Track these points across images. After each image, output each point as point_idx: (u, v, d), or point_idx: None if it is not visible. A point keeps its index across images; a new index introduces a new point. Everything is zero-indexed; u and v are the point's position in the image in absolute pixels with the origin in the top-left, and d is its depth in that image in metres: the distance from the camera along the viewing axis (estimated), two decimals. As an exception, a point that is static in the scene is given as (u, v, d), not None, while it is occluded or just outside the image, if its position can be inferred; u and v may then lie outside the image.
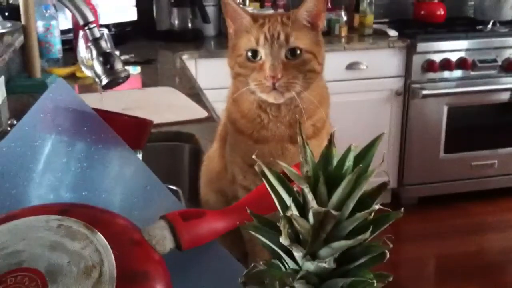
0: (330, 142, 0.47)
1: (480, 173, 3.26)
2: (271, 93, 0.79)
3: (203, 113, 1.61)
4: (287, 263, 0.46)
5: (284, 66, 0.78)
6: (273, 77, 0.78)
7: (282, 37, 0.79)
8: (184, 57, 2.71)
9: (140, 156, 0.74)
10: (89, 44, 1.07)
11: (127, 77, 1.09)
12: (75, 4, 1.05)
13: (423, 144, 3.15)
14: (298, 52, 0.80)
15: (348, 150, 0.45)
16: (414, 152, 3.16)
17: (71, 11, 1.06)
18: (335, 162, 0.46)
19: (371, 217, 0.44)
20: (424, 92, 3.03)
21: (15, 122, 1.22)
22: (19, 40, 2.03)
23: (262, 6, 3.17)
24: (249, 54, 0.80)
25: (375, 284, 0.43)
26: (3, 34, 1.88)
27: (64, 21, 2.52)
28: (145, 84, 2.10)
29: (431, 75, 3.05)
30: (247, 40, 0.81)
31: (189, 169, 1.45)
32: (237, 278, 0.48)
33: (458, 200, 3.27)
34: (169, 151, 1.45)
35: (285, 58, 0.79)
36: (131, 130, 0.75)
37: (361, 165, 0.43)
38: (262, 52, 0.80)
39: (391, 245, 0.43)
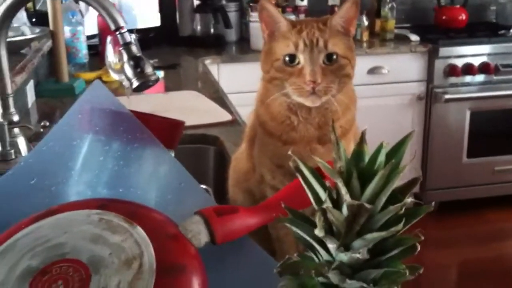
0: (362, 139, 0.49)
1: (503, 178, 3.24)
2: (310, 97, 0.81)
3: (227, 116, 1.64)
4: (320, 255, 0.48)
5: (323, 71, 0.81)
6: (313, 82, 0.80)
7: (321, 43, 0.81)
8: (207, 62, 2.75)
9: (173, 155, 0.76)
10: (120, 48, 1.10)
11: (157, 80, 1.12)
12: (107, 9, 1.08)
13: (445, 149, 3.14)
14: (335, 57, 0.82)
15: (380, 146, 0.47)
16: (437, 156, 3.15)
17: (102, 16, 1.10)
18: (367, 158, 0.48)
19: (402, 211, 0.46)
20: (447, 96, 3.02)
21: (47, 123, 1.25)
22: (47, 45, 2.08)
23: (284, 12, 3.19)
24: (287, 59, 0.82)
25: (407, 275, 0.45)
26: (31, 39, 1.93)
27: (89, 26, 2.58)
28: (168, 89, 2.14)
29: (453, 79, 3.04)
30: (284, 45, 0.83)
31: (214, 171, 1.48)
32: (269, 271, 0.50)
33: (480, 206, 3.24)
34: (195, 154, 1.48)
35: (322, 63, 0.81)
36: (165, 131, 0.77)
37: (393, 161, 0.45)
38: (301, 57, 0.81)
39: (422, 238, 0.45)
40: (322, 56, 0.81)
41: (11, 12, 1.09)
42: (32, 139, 1.27)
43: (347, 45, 0.84)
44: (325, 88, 0.81)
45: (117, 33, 1.08)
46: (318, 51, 0.81)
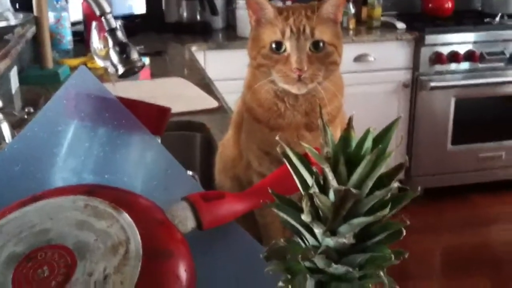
0: (349, 125, 0.49)
1: (487, 165, 3.27)
2: (296, 85, 0.81)
3: (213, 103, 1.64)
4: (307, 240, 0.48)
5: (309, 59, 0.80)
6: (299, 69, 0.80)
7: (307, 30, 0.81)
8: (193, 49, 2.74)
9: (159, 141, 0.76)
10: (106, 34, 1.09)
11: (142, 66, 1.11)
12: (92, -6, 1.07)
13: (430, 136, 3.17)
14: (322, 44, 0.81)
15: (367, 132, 0.47)
16: (422, 143, 3.18)
17: (87, 1, 1.08)
18: (354, 144, 0.48)
19: (389, 196, 0.46)
20: (432, 84, 3.04)
21: (32, 110, 1.24)
22: (30, 31, 2.06)
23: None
24: (274, 46, 0.82)
25: (392, 260, 0.45)
26: (15, 25, 1.90)
27: (74, 12, 2.55)
28: (154, 75, 2.12)
29: (439, 67, 3.06)
30: (271, 32, 0.82)
31: (200, 157, 1.48)
32: (256, 256, 0.51)
33: (464, 192, 3.28)
34: (181, 140, 1.48)
35: (309, 50, 0.81)
36: (151, 117, 0.77)
37: (380, 146, 0.45)
38: (288, 45, 0.81)
39: (408, 222, 0.46)
40: (309, 43, 0.81)
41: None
42: (16, 125, 1.25)
43: (334, 33, 0.83)
44: (311, 75, 0.80)
45: (103, 18, 1.07)
46: (305, 39, 0.81)
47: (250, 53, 0.86)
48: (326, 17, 0.83)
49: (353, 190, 0.44)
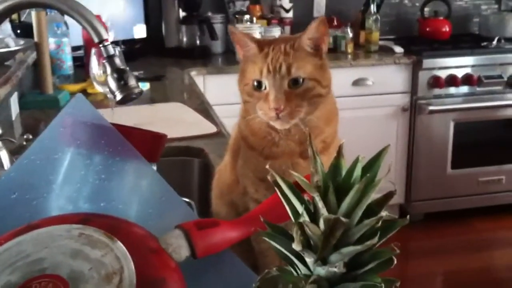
0: (339, 153, 0.50)
1: (487, 189, 3.27)
2: (277, 122, 0.82)
3: (212, 128, 1.64)
4: (299, 269, 0.48)
5: (287, 96, 0.80)
6: (276, 108, 0.80)
7: (283, 68, 0.81)
8: (193, 73, 2.76)
9: (155, 168, 0.77)
10: (103, 61, 1.10)
11: (140, 93, 1.12)
12: (90, 22, 1.08)
13: (430, 160, 3.17)
14: (301, 81, 0.81)
15: (356, 161, 0.48)
16: (421, 168, 3.18)
17: (85, 29, 1.10)
18: (343, 172, 0.49)
19: (379, 224, 0.46)
20: (431, 108, 3.05)
21: (30, 136, 1.25)
22: (31, 57, 2.08)
23: (269, 23, 3.21)
24: (255, 84, 0.83)
25: (383, 288, 0.45)
26: (16, 51, 1.92)
27: (75, 38, 2.57)
28: (154, 100, 2.14)
29: (437, 91, 3.07)
30: (253, 70, 0.83)
31: (198, 183, 1.48)
32: (249, 285, 0.51)
33: (464, 216, 3.27)
34: (179, 166, 1.48)
35: (288, 87, 0.81)
36: (147, 144, 0.78)
37: (368, 175, 0.45)
38: (266, 83, 0.82)
39: (398, 251, 0.46)
40: (286, 81, 0.81)
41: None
42: (15, 152, 1.26)
43: (315, 65, 0.83)
44: (289, 113, 0.81)
45: (101, 45, 1.08)
46: (281, 77, 0.81)
47: (238, 85, 0.88)
48: (305, 51, 0.83)
49: (343, 219, 0.44)
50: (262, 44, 0.85)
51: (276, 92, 0.80)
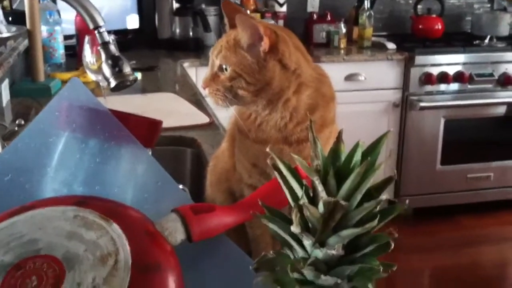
0: (339, 138, 0.50)
1: (476, 186, 3.29)
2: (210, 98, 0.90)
3: (205, 119, 1.64)
4: (296, 252, 0.48)
5: (214, 79, 0.88)
6: (203, 84, 0.89)
7: (215, 53, 0.88)
8: (185, 65, 2.75)
9: (149, 154, 0.76)
10: (98, 47, 1.09)
11: (135, 80, 1.12)
12: (86, 8, 1.07)
13: (420, 156, 3.19)
14: (226, 69, 0.86)
15: (356, 145, 0.48)
16: (411, 163, 3.19)
17: (81, 15, 1.09)
18: (343, 157, 0.49)
19: (378, 208, 0.47)
20: (422, 104, 3.07)
21: (22, 122, 1.24)
22: (23, 44, 2.06)
23: (262, 17, 3.21)
24: None
25: (381, 272, 0.45)
26: (8, 38, 1.91)
27: (66, 27, 2.55)
28: (146, 90, 2.13)
29: (429, 87, 3.09)
30: None
31: (191, 172, 1.48)
32: (245, 268, 0.51)
33: (453, 213, 3.29)
34: (172, 155, 1.48)
35: (216, 71, 0.88)
36: (142, 129, 0.77)
37: (369, 159, 0.46)
38: None
39: (396, 235, 0.46)
40: (216, 66, 0.88)
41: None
42: (7, 137, 1.25)
43: (242, 62, 0.85)
44: (211, 92, 0.88)
45: (96, 32, 1.08)
46: (213, 61, 0.89)
47: None
48: (237, 45, 0.86)
49: (342, 202, 0.44)
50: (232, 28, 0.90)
51: (208, 72, 0.89)
